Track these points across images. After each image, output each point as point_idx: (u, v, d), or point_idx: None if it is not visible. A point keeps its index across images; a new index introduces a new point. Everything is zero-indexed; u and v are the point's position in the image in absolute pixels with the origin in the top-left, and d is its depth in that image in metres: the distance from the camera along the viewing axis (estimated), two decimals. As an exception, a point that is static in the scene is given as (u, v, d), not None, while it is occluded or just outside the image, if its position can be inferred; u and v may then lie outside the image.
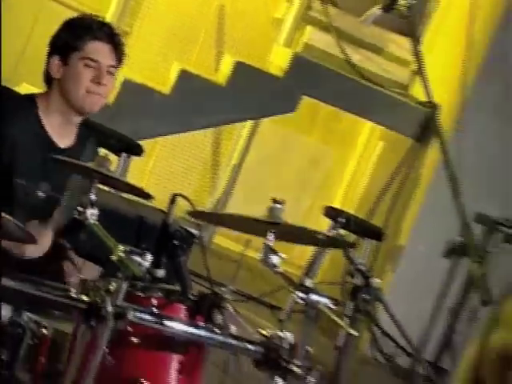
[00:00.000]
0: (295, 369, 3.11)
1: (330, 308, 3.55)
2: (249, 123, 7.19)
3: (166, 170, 7.27)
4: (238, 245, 6.27)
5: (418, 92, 6.19)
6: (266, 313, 4.88)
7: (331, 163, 7.91)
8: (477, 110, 6.09)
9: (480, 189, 5.68)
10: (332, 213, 4.53)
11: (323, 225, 4.43)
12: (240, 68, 6.26)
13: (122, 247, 2.81)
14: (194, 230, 3.43)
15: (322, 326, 4.12)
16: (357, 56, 6.66)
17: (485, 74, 6.13)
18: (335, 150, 7.91)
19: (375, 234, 5.20)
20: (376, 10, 6.24)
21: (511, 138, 6.05)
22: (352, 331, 3.55)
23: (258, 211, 3.30)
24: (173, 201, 3.17)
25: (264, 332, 3.17)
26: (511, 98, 6.08)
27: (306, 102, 6.56)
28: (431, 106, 5.22)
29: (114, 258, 2.81)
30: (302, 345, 3.29)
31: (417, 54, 3.26)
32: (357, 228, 5.37)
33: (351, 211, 6.04)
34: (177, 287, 3.13)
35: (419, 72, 3.42)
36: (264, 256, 3.31)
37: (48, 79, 3.67)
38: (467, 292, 4.54)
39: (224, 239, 6.97)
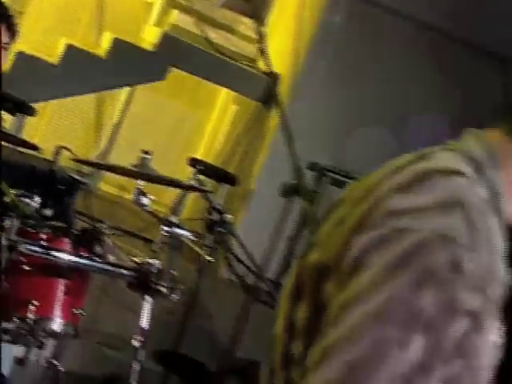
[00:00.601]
0: (161, 289, 3.11)
1: (190, 239, 3.54)
2: (126, 89, 7.14)
3: (56, 128, 7.16)
4: (117, 189, 6.24)
5: (263, 64, 6.23)
6: (141, 244, 4.84)
7: (195, 122, 7.93)
8: (309, 79, 6.18)
9: (313, 143, 5.76)
10: (194, 162, 4.53)
11: (188, 172, 4.43)
12: (117, 43, 6.18)
13: (13, 191, 2.76)
14: (78, 177, 3.38)
15: (185, 254, 4.13)
16: (213, 35, 6.66)
17: (315, 49, 6.21)
18: (198, 112, 7.93)
19: (230, 179, 5.19)
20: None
21: (337, 102, 6.16)
22: (209, 258, 3.56)
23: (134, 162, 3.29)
24: (57, 152, 3.11)
25: (136, 260, 3.16)
26: (337, 70, 6.19)
27: (174, 72, 6.53)
28: (273, 76, 5.21)
29: (7, 199, 2.75)
30: (168, 269, 3.29)
31: (259, 33, 3.26)
32: (214, 174, 5.38)
33: (211, 161, 6.05)
34: (62, 224, 3.09)
35: (261, 48, 3.40)
36: (136, 197, 3.29)
37: None
38: (302, 224, 4.63)
39: (107, 185, 6.92)
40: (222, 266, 5.47)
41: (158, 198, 4.95)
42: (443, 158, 1.34)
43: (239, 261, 4.33)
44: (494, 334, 1.31)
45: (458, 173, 1.29)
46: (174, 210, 3.61)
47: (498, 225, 1.31)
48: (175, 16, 6.96)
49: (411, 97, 6.09)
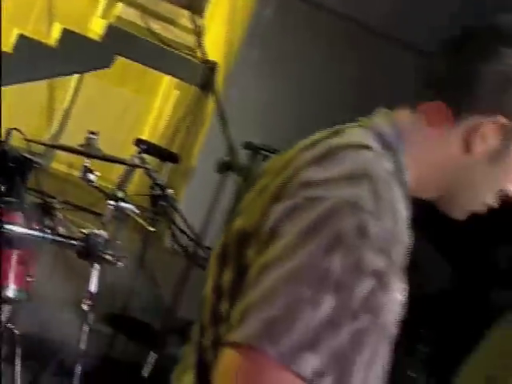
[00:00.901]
0: (108, 257, 3.09)
1: (135, 212, 3.52)
2: (75, 77, 7.04)
3: (12, 113, 7.02)
4: (67, 167, 6.17)
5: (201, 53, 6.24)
6: (92, 218, 4.79)
7: (140, 107, 7.85)
8: (242, 68, 6.19)
9: (247, 125, 5.77)
10: (139, 143, 4.51)
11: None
12: (66, 34, 6.08)
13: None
14: (30, 156, 3.33)
15: (132, 226, 4.09)
16: (156, 26, 6.59)
17: (247, 40, 6.21)
18: (143, 97, 7.85)
19: (172, 158, 5.18)
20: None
21: (268, 89, 6.18)
22: (151, 228, 3.55)
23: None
24: (8, 133, 3.06)
25: (84, 231, 3.13)
26: (267, 60, 6.21)
27: (120, 61, 6.46)
28: (210, 64, 5.19)
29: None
30: (114, 240, 3.27)
31: (196, 26, 3.24)
32: (158, 154, 5.34)
33: (155, 142, 6.02)
34: (15, 200, 3.05)
35: (198, 39, 3.38)
36: (83, 174, 3.26)
37: None
38: (236, 197, 4.63)
39: (58, 164, 6.82)
40: (165, 236, 5.45)
41: (105, 175, 4.90)
42: (354, 134, 1.34)
43: (181, 231, 4.32)
44: (398, 292, 1.33)
45: (367, 147, 1.30)
46: (120, 186, 3.59)
47: (401, 195, 1.32)
48: (120, 9, 6.86)
49: (333, 85, 6.13)
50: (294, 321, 1.15)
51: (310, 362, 1.15)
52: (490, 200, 1.40)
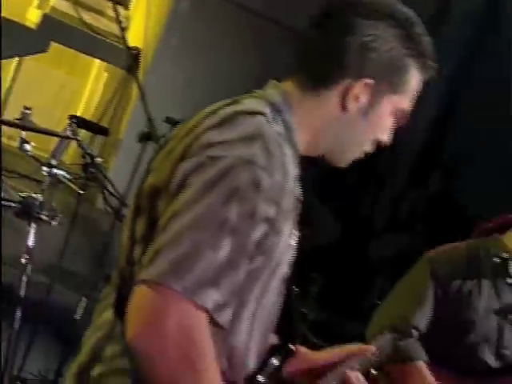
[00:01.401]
0: (43, 217, 3.01)
1: (66, 177, 3.43)
2: (15, 60, 6.81)
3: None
4: (7, 139, 5.97)
5: (130, 40, 6.12)
6: (33, 184, 4.65)
7: (74, 87, 7.68)
8: (163, 52, 6.12)
9: (168, 102, 5.70)
10: (72, 118, 4.42)
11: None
12: (6, 23, 5.85)
13: None
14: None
15: (67, 190, 3.99)
16: (87, 16, 6.41)
17: (166, 29, 6.15)
18: (76, 79, 7.69)
19: (102, 131, 5.08)
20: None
21: (184, 72, 6.14)
22: (81, 191, 3.47)
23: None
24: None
25: (22, 195, 3.03)
26: (185, 45, 6.15)
27: (55, 46, 6.30)
28: (135, 50, 5.07)
29: None
30: (49, 201, 3.18)
31: (118, 16, 3.15)
32: (89, 128, 5.22)
33: (88, 118, 5.89)
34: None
35: (121, 29, 3.29)
36: (19, 145, 3.16)
37: None
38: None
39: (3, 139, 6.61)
40: (99, 199, 5.36)
41: (44, 147, 4.77)
42: (249, 103, 1.34)
43: (110, 193, 4.24)
44: (288, 237, 1.33)
45: (260, 113, 1.30)
46: (53, 155, 3.48)
47: (291, 154, 1.33)
48: (54, 0, 6.67)
49: (239, 66, 6.13)
50: (197, 261, 1.15)
51: (211, 296, 1.15)
52: (368, 148, 1.42)
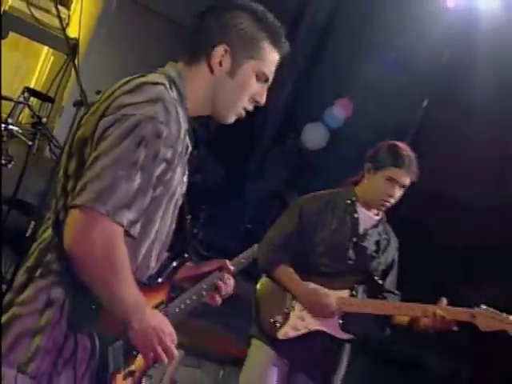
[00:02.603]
0: (2, 161, 2.75)
1: (18, 132, 3.16)
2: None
3: None
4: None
5: (71, 32, 5.70)
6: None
7: (28, 67, 7.10)
8: (96, 41, 5.81)
9: (99, 79, 5.33)
10: (26, 89, 4.15)
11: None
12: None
13: None
14: None
15: (20, 142, 3.66)
16: (38, 14, 5.87)
17: (97, 24, 5.80)
18: (30, 60, 7.11)
19: (49, 99, 4.83)
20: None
21: (113, 59, 5.81)
22: (29, 142, 3.21)
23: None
24: None
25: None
26: (114, 35, 5.87)
27: (13, 35, 5.79)
28: (74, 39, 4.70)
29: None
30: (4, 152, 2.90)
31: (59, 15, 2.87)
32: (39, 96, 4.87)
33: (38, 89, 5.48)
34: None
35: (62, 24, 3.00)
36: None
37: None
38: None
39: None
40: (46, 148, 5.02)
41: (4, 111, 4.37)
42: (152, 76, 1.29)
43: (54, 145, 3.97)
44: (181, 174, 1.30)
45: (160, 84, 1.25)
46: (10, 115, 3.20)
47: (183, 114, 1.29)
48: (12, 0, 6.08)
49: (149, 61, 5.90)
50: (116, 190, 1.14)
51: (126, 216, 1.15)
52: (247, 105, 1.34)
